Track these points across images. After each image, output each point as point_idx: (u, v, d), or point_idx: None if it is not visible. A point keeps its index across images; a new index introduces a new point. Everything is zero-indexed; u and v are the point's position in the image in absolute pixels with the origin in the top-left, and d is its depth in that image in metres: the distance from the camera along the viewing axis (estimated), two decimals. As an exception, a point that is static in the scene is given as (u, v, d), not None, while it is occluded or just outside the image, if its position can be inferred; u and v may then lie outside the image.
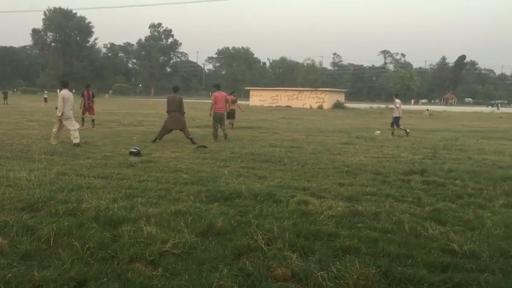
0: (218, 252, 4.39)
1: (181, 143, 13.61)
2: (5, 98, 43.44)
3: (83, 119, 18.86)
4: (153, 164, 9.53)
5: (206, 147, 12.54)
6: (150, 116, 28.45)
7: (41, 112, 29.43)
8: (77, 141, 12.43)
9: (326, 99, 52.52)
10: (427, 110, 43.61)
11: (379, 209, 6.16)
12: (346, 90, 68.31)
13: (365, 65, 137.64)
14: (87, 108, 18.95)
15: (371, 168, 9.50)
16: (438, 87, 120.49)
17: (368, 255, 4.44)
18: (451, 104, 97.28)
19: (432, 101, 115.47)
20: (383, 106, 56.47)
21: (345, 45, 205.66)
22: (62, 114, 12.62)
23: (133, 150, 11.11)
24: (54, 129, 13.05)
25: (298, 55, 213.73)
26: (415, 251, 4.59)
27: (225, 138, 14.85)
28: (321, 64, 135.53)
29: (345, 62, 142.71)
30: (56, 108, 13.08)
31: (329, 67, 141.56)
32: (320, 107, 50.77)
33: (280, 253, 4.41)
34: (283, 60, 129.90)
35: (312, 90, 56.23)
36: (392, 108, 21.01)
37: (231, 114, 19.53)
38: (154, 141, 13.78)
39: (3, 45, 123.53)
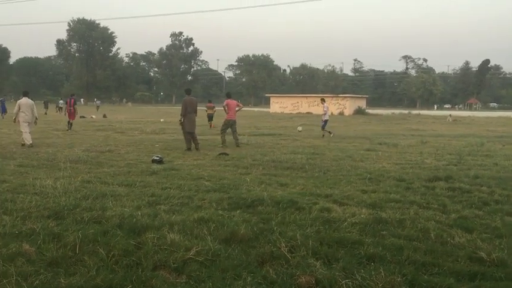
0: (241, 260, 4.39)
1: (203, 151, 13.69)
2: (46, 107, 43.80)
3: (69, 122, 22.37)
4: (175, 171, 9.61)
5: (228, 154, 12.58)
6: (171, 123, 28.69)
7: (65, 121, 29.97)
8: (28, 142, 14.43)
9: (347, 105, 52.17)
10: (450, 115, 42.97)
11: (404, 216, 6.07)
12: (367, 96, 67.77)
13: (386, 70, 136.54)
14: (70, 113, 22.46)
15: (394, 175, 9.39)
16: (461, 92, 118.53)
17: (393, 263, 4.37)
18: (475, 109, 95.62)
19: (456, 106, 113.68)
20: (405, 112, 55.82)
21: (365, 51, 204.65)
22: (14, 119, 15.08)
23: (155, 158, 11.22)
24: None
25: (319, 61, 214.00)
26: (441, 259, 4.50)
27: (237, 145, 15.11)
28: (341, 70, 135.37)
29: (366, 67, 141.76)
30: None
31: (350, 73, 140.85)
32: (341, 113, 50.43)
33: (304, 261, 4.38)
34: (303, 66, 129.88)
35: (332, 97, 55.93)
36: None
37: (210, 117, 26.17)
38: (189, 149, 13.83)
39: (29, 56, 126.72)
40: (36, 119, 15.44)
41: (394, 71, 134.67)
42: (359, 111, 51.15)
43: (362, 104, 55.50)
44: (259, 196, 6.93)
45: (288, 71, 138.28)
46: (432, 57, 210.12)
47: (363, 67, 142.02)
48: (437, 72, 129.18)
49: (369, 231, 5.40)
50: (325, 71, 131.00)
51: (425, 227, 5.57)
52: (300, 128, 20.88)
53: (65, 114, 22.29)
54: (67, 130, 21.68)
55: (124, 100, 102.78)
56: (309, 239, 4.90)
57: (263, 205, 6.49)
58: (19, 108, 14.92)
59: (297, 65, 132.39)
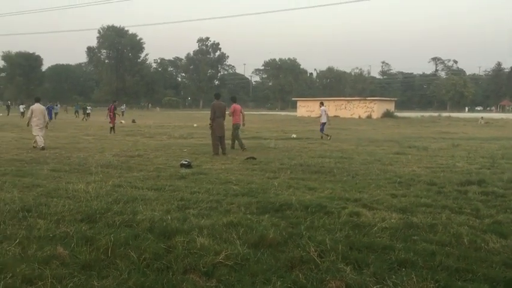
0: (271, 264, 4.39)
1: (230, 155, 13.76)
2: (84, 113, 44.47)
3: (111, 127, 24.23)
4: (203, 175, 9.68)
5: (255, 158, 12.61)
6: (199, 128, 28.94)
7: (96, 126, 30.60)
8: (40, 145, 15.27)
9: (375, 108, 51.59)
10: (482, 117, 41.99)
11: (435, 221, 5.96)
12: (396, 98, 66.87)
13: (415, 72, 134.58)
14: (111, 118, 24.26)
15: (425, 179, 9.23)
16: (494, 94, 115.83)
17: (425, 269, 4.29)
18: (508, 111, 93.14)
19: (488, 108, 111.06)
20: (435, 114, 54.79)
21: (393, 53, 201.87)
22: (28, 123, 15.96)
23: (184, 162, 11.33)
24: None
25: (346, 64, 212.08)
26: (475, 265, 4.40)
27: (232, 147, 15.51)
28: (369, 73, 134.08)
29: (394, 70, 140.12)
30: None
31: (377, 76, 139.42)
32: (369, 117, 49.92)
33: (334, 265, 4.35)
34: (330, 70, 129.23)
35: (360, 100, 55.43)
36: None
37: None
38: (216, 154, 13.92)
39: (61, 63, 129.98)
40: (47, 123, 16.53)
41: (423, 73, 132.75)
42: (387, 114, 50.49)
43: (390, 106, 54.77)
44: (288, 200, 6.92)
45: (314, 74, 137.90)
46: (462, 58, 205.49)
47: (391, 69, 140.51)
48: (468, 73, 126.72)
49: (399, 236, 5.32)
50: (353, 74, 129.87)
51: (458, 232, 5.45)
52: (294, 136, 21.71)
53: (107, 119, 24.94)
54: (111, 133, 23.63)
55: (149, 105, 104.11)
56: (339, 244, 4.86)
57: (291, 209, 6.48)
58: (32, 114, 15.90)
59: (324, 68, 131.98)
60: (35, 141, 15.69)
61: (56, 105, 50.37)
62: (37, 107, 16.08)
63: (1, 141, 17.58)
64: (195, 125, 33.41)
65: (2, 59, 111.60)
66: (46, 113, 16.39)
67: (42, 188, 8.06)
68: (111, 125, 24.29)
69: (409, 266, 4.38)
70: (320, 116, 21.61)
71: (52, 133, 23.72)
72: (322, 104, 22.59)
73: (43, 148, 15.10)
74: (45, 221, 5.77)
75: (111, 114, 24.33)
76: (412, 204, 6.93)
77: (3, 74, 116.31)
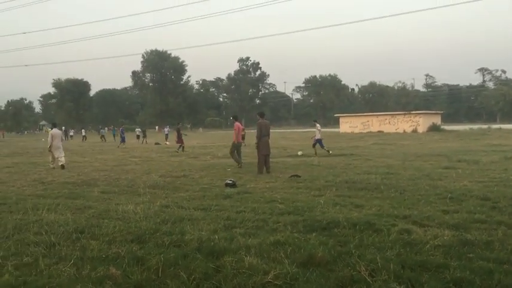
0: (321, 284, 4.33)
1: (274, 173, 13.76)
2: (144, 136, 45.19)
3: (180, 146, 27.39)
4: (248, 194, 9.71)
5: (300, 176, 12.55)
6: (242, 147, 29.10)
7: (142, 148, 31.41)
8: (62, 163, 16.94)
9: (420, 122, 50.39)
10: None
11: (491, 237, 5.73)
12: (442, 111, 65.15)
13: (461, 84, 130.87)
14: (178, 139, 27.87)
15: (477, 194, 8.90)
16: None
17: (483, 287, 4.13)
18: None
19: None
20: (484, 126, 52.91)
21: (437, 65, 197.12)
22: (50, 147, 17.38)
23: (228, 181, 11.42)
24: (49, 158, 17.79)
25: (388, 78, 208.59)
26: (537, 284, 4.18)
27: (240, 166, 15.89)
28: (412, 86, 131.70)
29: (439, 82, 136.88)
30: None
31: (422, 89, 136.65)
32: (414, 131, 48.78)
33: (386, 285, 4.24)
34: (372, 84, 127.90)
35: (404, 114, 54.34)
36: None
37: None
38: (261, 172, 13.97)
39: (107, 88, 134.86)
40: (62, 140, 18.26)
41: (470, 84, 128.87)
42: (434, 128, 49.18)
43: (436, 120, 53.36)
44: (335, 218, 6.84)
45: (356, 89, 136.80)
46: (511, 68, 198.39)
47: (435, 82, 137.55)
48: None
49: (453, 254, 5.14)
50: (396, 88, 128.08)
51: (516, 249, 5.21)
52: (300, 153, 22.18)
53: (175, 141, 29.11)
54: (180, 151, 26.53)
55: (188, 126, 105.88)
56: (390, 262, 4.74)
57: (339, 227, 6.39)
58: (52, 138, 17.56)
59: (366, 83, 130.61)
60: (53, 162, 17.42)
61: (104, 129, 52.04)
62: (56, 131, 18.06)
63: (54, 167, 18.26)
64: (248, 143, 33.76)
65: (53, 86, 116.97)
66: (63, 136, 18.60)
67: (93, 209, 8.30)
68: (181, 145, 27.48)
69: (465, 285, 4.22)
70: (319, 131, 22.61)
71: (100, 156, 24.58)
72: (315, 121, 23.89)
73: (63, 167, 16.78)
74: (98, 241, 5.94)
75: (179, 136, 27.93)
76: (466, 220, 6.70)
77: (54, 100, 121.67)
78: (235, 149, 16.55)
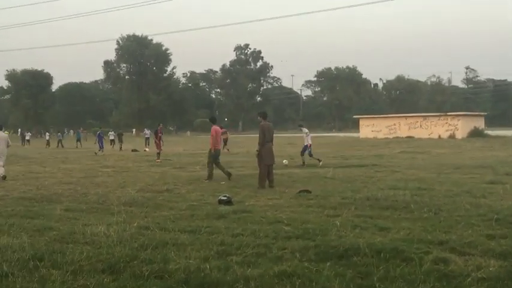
0: (337, 326, 4.32)
1: (279, 187, 13.77)
2: (120, 141, 44.65)
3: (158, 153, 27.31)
4: (247, 214, 9.72)
5: (310, 191, 12.57)
6: (239, 155, 29.21)
7: (116, 156, 31.46)
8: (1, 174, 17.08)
9: (459, 125, 50.50)
10: None
11: (548, 269, 5.73)
12: (486, 113, 65.30)
13: (510, 79, 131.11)
14: (158, 143, 27.80)
15: (530, 215, 8.92)
16: None
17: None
18: None
19: None
20: (538, 131, 53.07)
21: (480, 57, 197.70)
22: None
23: (222, 197, 11.42)
24: None
25: (420, 72, 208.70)
26: None
27: (229, 177, 16.18)
28: (449, 82, 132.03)
29: (482, 77, 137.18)
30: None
31: (461, 85, 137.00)
32: (451, 136, 48.88)
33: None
34: (399, 79, 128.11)
35: (439, 116, 54.45)
36: None
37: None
38: (262, 187, 14.01)
39: (73, 81, 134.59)
40: (8, 146, 18.37)
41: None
42: (476, 133, 49.29)
43: (479, 123, 53.48)
44: (354, 244, 6.84)
45: (380, 85, 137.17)
46: None
47: (477, 76, 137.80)
48: None
49: (501, 289, 5.15)
50: (429, 83, 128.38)
51: None
52: (285, 162, 22.56)
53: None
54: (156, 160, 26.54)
55: (172, 129, 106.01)
56: (423, 299, 4.74)
57: (359, 255, 6.39)
58: None
59: (392, 77, 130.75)
60: None
61: (72, 131, 52.20)
62: (1, 135, 18.13)
63: (7, 176, 18.29)
64: (247, 150, 33.84)
65: (6, 79, 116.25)
66: (9, 141, 18.41)
67: (55, 231, 8.29)
68: (157, 151, 27.50)
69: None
70: (307, 137, 23.06)
71: (64, 165, 24.61)
72: (301, 126, 24.92)
73: (4, 177, 17.01)
74: (61, 271, 5.92)
75: (158, 139, 28.08)
76: (516, 247, 6.70)
77: (7, 97, 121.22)
78: (214, 159, 16.71)
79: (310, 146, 22.77)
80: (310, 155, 22.73)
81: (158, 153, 27.34)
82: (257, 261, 6.26)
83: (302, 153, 22.95)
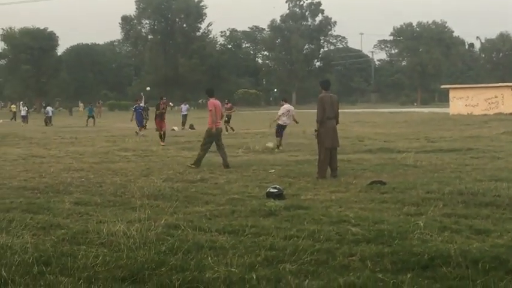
0: None
1: (344, 177, 13.69)
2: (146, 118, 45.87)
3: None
4: (303, 210, 9.72)
5: (385, 183, 12.47)
6: (293, 136, 29.04)
7: (138, 137, 31.70)
8: None
9: None
10: None
11: None
12: None
13: None
14: (159, 121, 27.98)
15: None
16: None
17: None
18: None
19: None
20: None
21: None
22: None
23: (272, 190, 11.42)
24: None
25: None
26: None
27: (226, 166, 16.57)
28: None
29: None
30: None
31: None
32: None
33: None
34: (503, 38, 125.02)
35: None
36: None
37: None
38: (323, 177, 13.98)
39: (84, 42, 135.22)
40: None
41: None
42: None
43: None
44: (442, 250, 6.80)
45: (477, 45, 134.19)
46: None
47: None
48: None
49: None
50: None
51: None
52: (270, 144, 23.11)
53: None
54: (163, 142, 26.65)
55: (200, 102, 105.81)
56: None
57: (450, 265, 6.33)
58: None
59: (493, 35, 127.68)
60: None
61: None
62: None
63: (4, 161, 18.74)
64: (304, 130, 33.75)
65: (2, 40, 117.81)
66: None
67: (64, 229, 8.45)
68: (160, 132, 27.30)
69: None
70: (282, 115, 23.71)
71: (73, 147, 24.96)
72: (285, 100, 25.79)
73: None
74: (71, 278, 6.05)
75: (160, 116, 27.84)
76: None
77: (3, 62, 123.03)
78: (212, 140, 17.07)
79: (283, 125, 23.61)
80: (279, 135, 23.34)
81: (161, 135, 27.36)
82: (317, 271, 6.27)
83: (276, 134, 23.55)
